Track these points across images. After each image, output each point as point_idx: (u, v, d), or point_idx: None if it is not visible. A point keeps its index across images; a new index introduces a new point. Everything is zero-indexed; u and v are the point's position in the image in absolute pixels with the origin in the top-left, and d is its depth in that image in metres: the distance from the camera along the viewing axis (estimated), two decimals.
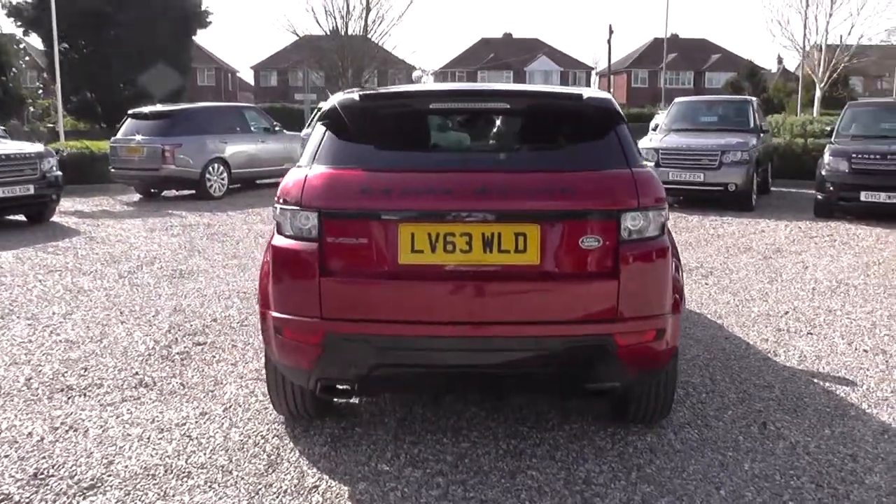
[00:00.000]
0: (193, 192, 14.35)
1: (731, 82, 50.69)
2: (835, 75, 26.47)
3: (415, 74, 41.29)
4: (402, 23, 33.72)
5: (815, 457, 3.81)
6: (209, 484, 3.44)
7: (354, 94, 3.62)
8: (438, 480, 3.45)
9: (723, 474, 3.61)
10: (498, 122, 3.61)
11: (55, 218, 11.62)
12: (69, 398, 4.51)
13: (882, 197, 10.42)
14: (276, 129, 15.83)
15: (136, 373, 4.93)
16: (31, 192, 10.63)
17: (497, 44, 72.37)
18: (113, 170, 14.18)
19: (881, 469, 3.66)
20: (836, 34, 29.11)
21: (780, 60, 64.77)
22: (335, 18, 31.02)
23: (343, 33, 30.89)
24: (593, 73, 74.82)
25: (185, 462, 3.65)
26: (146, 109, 15.02)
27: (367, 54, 32.10)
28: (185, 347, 5.46)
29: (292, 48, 44.10)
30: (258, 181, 15.88)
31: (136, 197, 14.80)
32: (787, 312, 6.40)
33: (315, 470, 3.56)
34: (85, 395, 4.56)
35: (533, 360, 3.36)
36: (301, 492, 3.36)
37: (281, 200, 3.50)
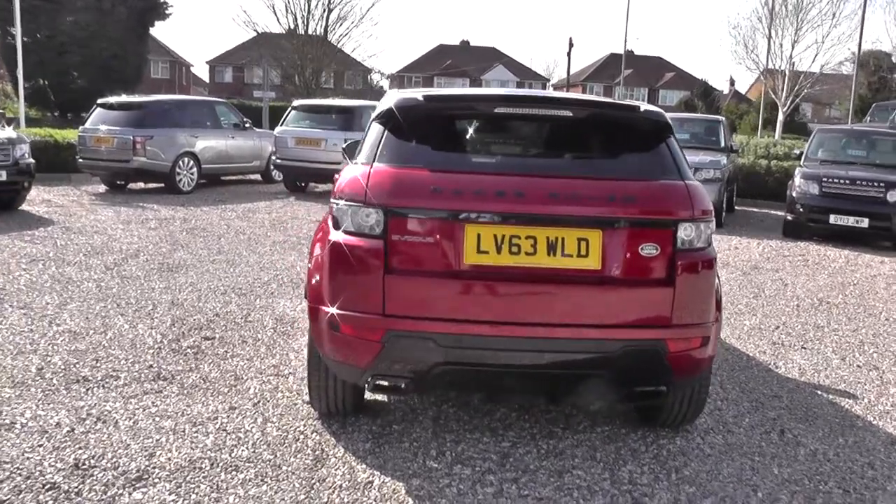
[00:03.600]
0: (161, 185, 14.09)
1: (685, 101, 52.01)
2: (797, 100, 27.39)
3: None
4: (362, 25, 33.74)
5: (836, 464, 3.97)
6: (260, 478, 3.42)
7: (418, 95, 3.65)
8: (490, 478, 3.50)
9: (755, 478, 3.74)
10: (559, 129, 3.68)
11: (24, 206, 11.29)
12: (87, 389, 4.42)
13: (850, 221, 10.84)
14: (247, 125, 15.65)
15: (151, 365, 4.85)
16: (3, 178, 10.32)
17: (454, 51, 72.72)
18: (81, 160, 13.82)
19: None
20: (799, 61, 30.30)
21: (731, 82, 66.74)
22: (296, 17, 30.83)
23: (304, 32, 30.69)
24: (549, 84, 75.77)
25: (230, 456, 3.62)
26: (115, 99, 14.67)
27: (327, 55, 31.95)
28: (194, 342, 5.39)
29: (250, 44, 43.63)
30: (223, 177, 15.68)
31: (102, 188, 14.46)
32: (777, 327, 6.61)
33: (364, 466, 3.56)
34: (103, 386, 4.47)
35: (590, 362, 3.43)
36: (356, 487, 3.37)
37: (341, 196, 3.50)
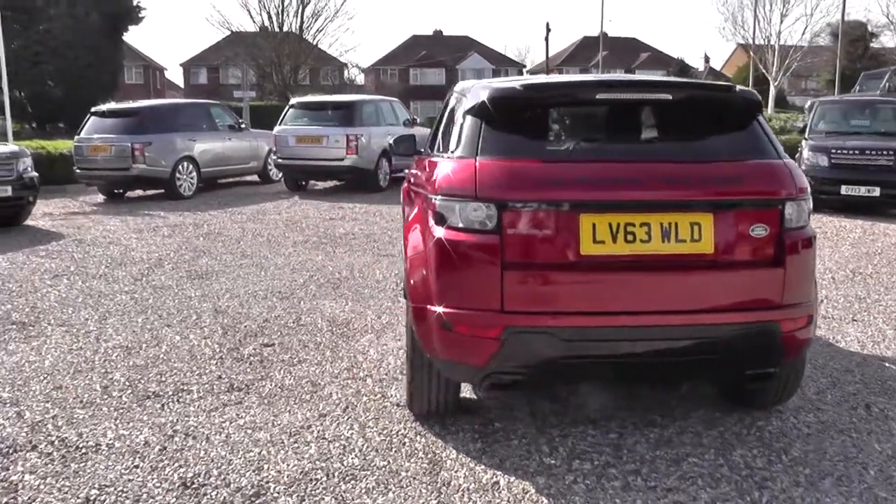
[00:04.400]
0: (161, 192, 13.87)
1: None
2: (787, 74, 27.57)
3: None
4: (337, 19, 33.39)
5: None
6: (383, 486, 3.33)
7: (515, 85, 3.56)
8: (612, 472, 3.44)
9: (861, 455, 3.71)
10: (658, 113, 3.61)
11: (28, 221, 11.05)
12: (162, 405, 4.30)
13: (861, 191, 10.91)
14: (242, 126, 15.44)
15: (220, 376, 4.74)
16: (9, 193, 10.07)
17: (428, 41, 72.32)
18: (78, 170, 13.56)
19: None
20: (789, 35, 30.39)
21: (706, 59, 67.09)
22: (269, 14, 30.48)
23: (279, 30, 30.36)
24: (525, 70, 75.67)
25: (342, 464, 3.53)
26: (109, 107, 14.40)
27: (303, 52, 31.64)
28: (254, 349, 5.28)
29: (224, 44, 43.02)
30: (221, 180, 15.46)
31: (100, 198, 14.21)
32: (821, 301, 6.62)
33: (483, 466, 3.49)
34: (178, 401, 4.36)
35: (707, 347, 3.38)
36: (484, 488, 3.30)
37: (443, 192, 3.42)
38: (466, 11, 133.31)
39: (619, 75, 4.62)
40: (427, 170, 4.00)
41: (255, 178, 16.40)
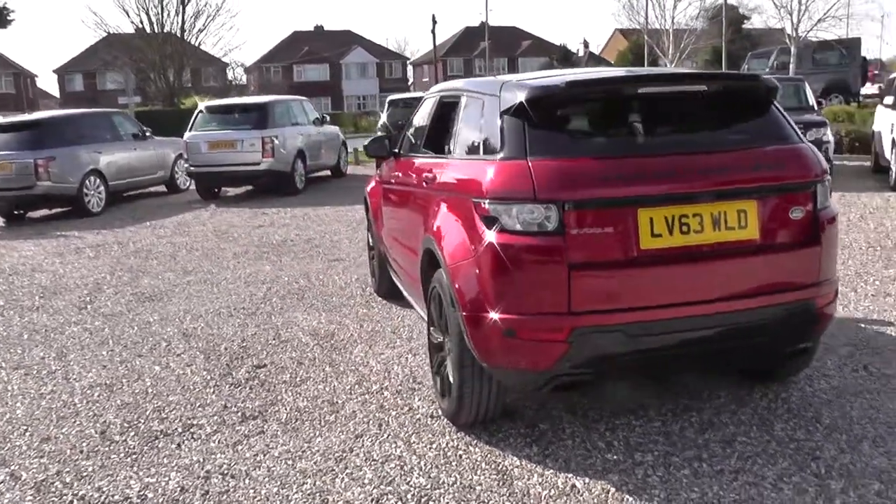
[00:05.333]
0: (67, 209, 13.06)
1: (546, 67, 53.29)
2: (683, 56, 28.58)
3: None
4: (219, 17, 32.05)
5: None
6: (463, 503, 3.26)
7: (558, 82, 3.52)
8: (675, 460, 3.50)
9: (881, 415, 3.93)
10: (694, 104, 3.66)
11: None
12: (177, 444, 4.05)
13: None
14: (147, 134, 14.73)
15: (225, 405, 4.52)
16: None
17: (310, 37, 70.98)
18: None
19: None
20: (684, 18, 31.34)
21: (586, 45, 68.84)
22: (148, 14, 29.11)
23: (160, 30, 29.07)
24: (409, 63, 75.61)
25: (409, 486, 3.42)
26: (4, 120, 13.38)
27: (186, 52, 30.45)
28: (247, 372, 5.06)
29: (101, 47, 40.41)
30: (128, 193, 14.71)
31: None
32: None
33: (552, 471, 3.47)
34: (192, 437, 4.12)
35: (758, 329, 3.48)
36: (565, 493, 3.27)
37: (497, 195, 3.34)
38: (346, 5, 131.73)
39: (651, 69, 4.67)
40: (450, 172, 3.92)
41: (161, 188, 15.70)
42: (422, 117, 5.41)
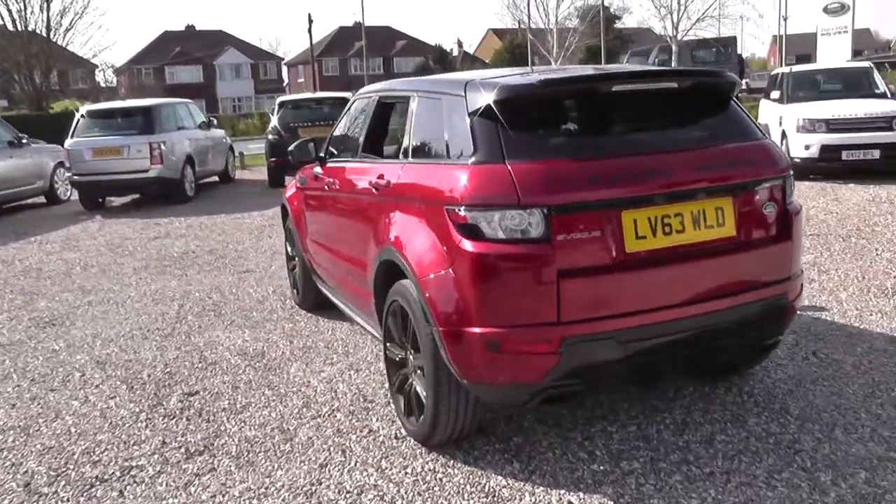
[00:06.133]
0: None
1: (422, 66, 53.45)
2: (568, 54, 29.03)
3: None
4: (86, 15, 30.00)
5: (877, 365, 4.37)
6: None
7: (530, 81, 3.34)
8: (663, 465, 3.41)
9: (843, 400, 4.01)
10: (666, 101, 3.57)
11: None
12: (119, 491, 3.62)
13: None
14: (23, 140, 13.63)
15: (164, 441, 4.12)
16: None
17: (181, 37, 68.21)
18: None
19: None
20: (568, 17, 31.73)
21: (460, 44, 69.43)
22: (10, 10, 27.06)
23: (23, 28, 27.06)
24: (283, 63, 74.03)
25: None
26: None
27: (53, 53, 28.53)
28: (179, 401, 4.66)
29: None
30: (3, 205, 13.60)
31: None
32: None
33: (542, 488, 3.30)
34: (135, 481, 3.70)
35: (741, 326, 3.45)
36: None
37: (473, 202, 3.14)
38: (217, 4, 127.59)
39: (622, 66, 4.56)
40: (410, 178, 3.69)
41: (41, 199, 14.60)
42: (356, 120, 5.13)
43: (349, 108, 5.40)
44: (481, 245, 3.12)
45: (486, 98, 3.30)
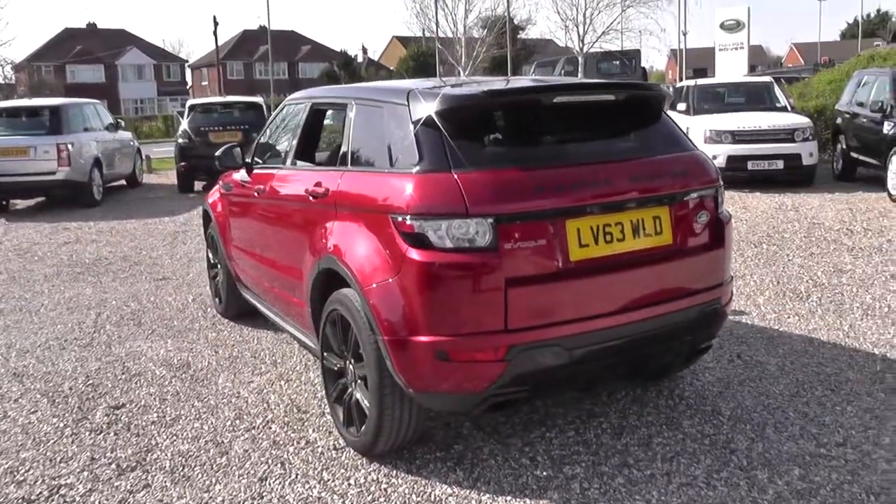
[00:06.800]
0: None
1: (328, 73, 53.04)
2: (477, 63, 29.24)
3: None
4: None
5: (805, 365, 4.60)
6: None
7: (475, 91, 3.36)
8: (605, 469, 3.49)
9: (771, 400, 4.20)
10: (604, 113, 3.65)
11: None
12: None
13: None
14: None
15: (93, 458, 3.93)
16: None
17: (83, 35, 65.47)
18: None
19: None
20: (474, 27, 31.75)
21: (364, 51, 69.34)
22: None
23: None
24: (187, 65, 72.09)
25: None
26: None
27: None
28: (105, 415, 4.47)
29: None
30: None
31: None
32: None
33: (488, 496, 3.32)
34: (65, 501, 3.53)
35: (679, 331, 3.57)
36: None
37: (421, 210, 3.13)
38: (119, 2, 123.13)
39: (569, 79, 4.61)
40: (350, 186, 3.66)
41: None
42: (286, 126, 5.05)
43: (277, 114, 5.31)
44: (428, 254, 3.12)
45: (428, 108, 3.31)
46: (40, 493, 3.62)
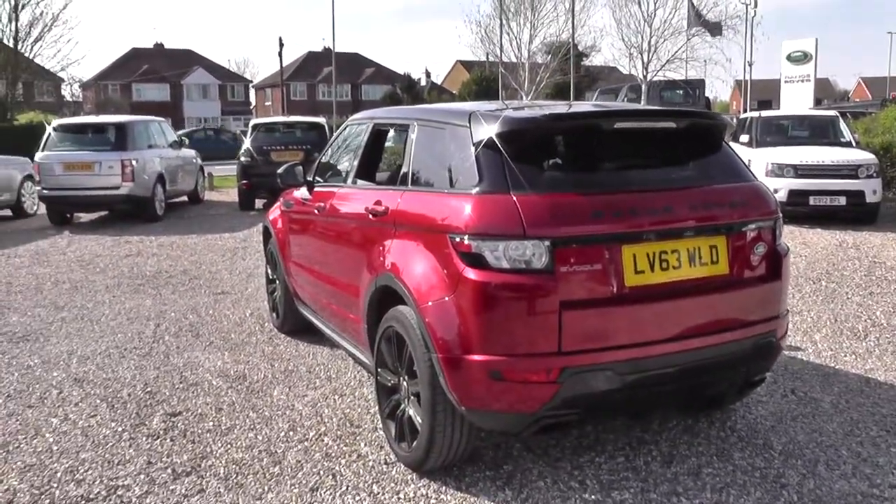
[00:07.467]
0: None
1: (390, 95, 53.78)
2: (541, 89, 29.28)
3: None
4: (56, 28, 29.50)
5: (858, 404, 4.49)
6: None
7: (538, 114, 3.43)
8: (653, 496, 3.47)
9: (824, 437, 4.12)
10: (665, 140, 3.68)
11: None
12: None
13: None
14: None
15: (149, 462, 4.06)
16: None
17: (150, 55, 67.68)
18: None
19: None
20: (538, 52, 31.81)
21: (428, 74, 70.01)
22: None
23: None
24: (251, 86, 73.84)
25: None
26: None
27: (20, 64, 28.09)
28: (162, 421, 4.61)
29: None
30: None
31: None
32: None
33: None
34: (122, 501, 3.66)
35: (737, 361, 3.55)
36: None
37: (479, 231, 3.20)
38: (186, 23, 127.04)
39: (623, 104, 4.68)
40: (411, 205, 3.74)
41: (6, 212, 14.36)
42: (348, 145, 5.18)
43: (339, 134, 5.45)
44: (485, 274, 3.17)
45: (490, 130, 3.38)
46: (98, 492, 3.74)
